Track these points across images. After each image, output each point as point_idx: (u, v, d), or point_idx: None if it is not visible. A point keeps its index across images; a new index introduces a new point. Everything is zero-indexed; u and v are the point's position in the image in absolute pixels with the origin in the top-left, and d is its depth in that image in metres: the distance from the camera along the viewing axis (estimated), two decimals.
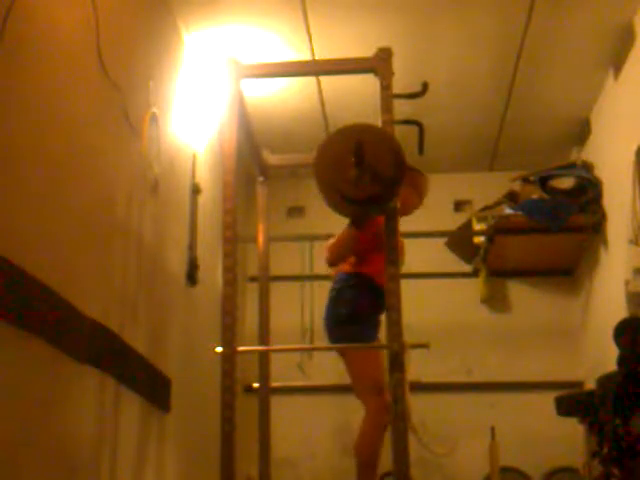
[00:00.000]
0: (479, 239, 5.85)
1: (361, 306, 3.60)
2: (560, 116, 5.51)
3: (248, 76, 3.28)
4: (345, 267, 3.71)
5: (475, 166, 6.22)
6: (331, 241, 3.62)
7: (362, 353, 3.57)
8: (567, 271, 6.00)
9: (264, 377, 3.79)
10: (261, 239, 3.96)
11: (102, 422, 3.14)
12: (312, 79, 4.93)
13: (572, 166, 5.48)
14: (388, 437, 2.85)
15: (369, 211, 3.32)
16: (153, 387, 3.77)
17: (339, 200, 3.14)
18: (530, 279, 6.09)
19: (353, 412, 5.79)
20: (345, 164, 3.04)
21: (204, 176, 4.75)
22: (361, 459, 3.54)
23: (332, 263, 3.67)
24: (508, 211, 5.49)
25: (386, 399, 3.54)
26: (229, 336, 2.88)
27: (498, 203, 5.67)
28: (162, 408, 3.90)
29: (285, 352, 4.68)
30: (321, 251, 3.88)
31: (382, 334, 3.38)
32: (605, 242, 5.16)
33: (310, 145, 3.38)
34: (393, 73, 3.09)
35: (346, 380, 5.66)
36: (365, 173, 3.01)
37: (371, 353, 3.58)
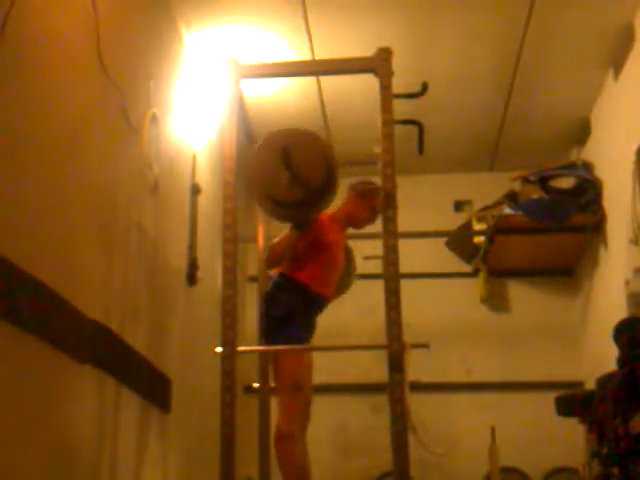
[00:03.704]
0: (479, 239, 5.86)
1: (294, 309, 3.51)
2: (560, 116, 5.52)
3: (248, 76, 3.28)
4: (280, 270, 3.62)
5: (475, 166, 6.22)
6: (273, 241, 3.54)
7: (288, 353, 3.51)
8: (567, 271, 6.00)
9: (264, 377, 3.79)
10: (261, 239, 3.96)
11: (102, 422, 3.14)
12: (312, 79, 4.92)
13: (572, 166, 5.48)
14: (385, 437, 2.84)
15: (304, 214, 3.32)
16: (153, 387, 3.77)
17: (273, 206, 3.17)
18: (530, 279, 6.09)
19: (352, 412, 5.84)
20: (275, 170, 3.08)
21: (204, 176, 4.75)
22: (283, 460, 3.41)
23: (271, 264, 3.59)
24: (508, 211, 5.49)
25: (304, 399, 3.51)
26: (229, 336, 2.88)
27: (498, 203, 5.68)
28: (162, 408, 3.90)
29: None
30: None
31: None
32: (605, 242, 5.16)
33: None
34: (393, 73, 3.10)
35: (345, 380, 5.70)
36: (296, 177, 3.04)
37: (296, 353, 3.52)
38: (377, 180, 3.70)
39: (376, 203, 3.63)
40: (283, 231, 3.60)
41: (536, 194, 5.41)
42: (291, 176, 3.08)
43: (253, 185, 3.26)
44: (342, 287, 3.83)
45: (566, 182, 5.43)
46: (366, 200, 3.73)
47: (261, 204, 3.30)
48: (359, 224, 3.80)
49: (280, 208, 3.23)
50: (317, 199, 3.19)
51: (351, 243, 3.90)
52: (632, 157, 4.38)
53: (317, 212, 3.41)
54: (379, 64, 3.11)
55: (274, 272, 3.69)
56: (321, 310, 3.68)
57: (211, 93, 4.91)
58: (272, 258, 3.54)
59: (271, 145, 3.17)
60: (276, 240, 3.53)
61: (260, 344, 3.81)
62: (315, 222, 3.53)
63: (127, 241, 3.52)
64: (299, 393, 3.49)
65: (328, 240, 3.62)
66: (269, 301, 3.58)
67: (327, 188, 3.18)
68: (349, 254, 3.86)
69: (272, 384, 3.63)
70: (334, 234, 3.68)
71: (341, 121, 5.47)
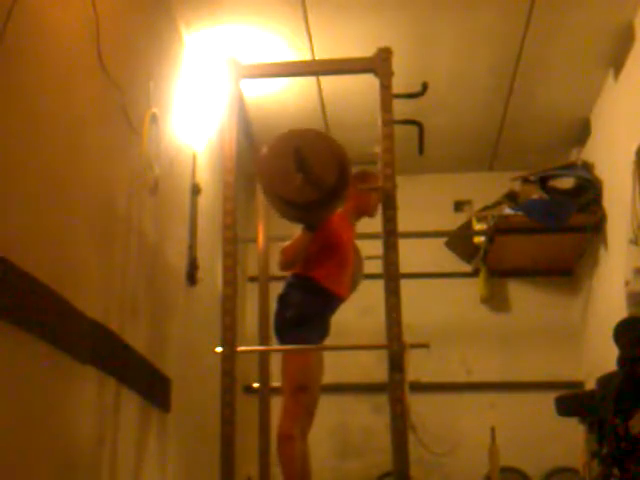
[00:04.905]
0: (479, 239, 5.86)
1: (307, 309, 3.51)
2: (560, 116, 5.52)
3: (248, 76, 3.28)
4: (294, 271, 3.61)
5: (475, 166, 6.22)
6: (286, 244, 3.52)
7: (294, 354, 3.49)
8: (567, 271, 6.01)
9: (264, 377, 3.79)
10: (261, 239, 3.96)
11: (102, 422, 3.14)
12: (312, 79, 4.93)
13: (572, 166, 5.48)
14: (385, 437, 2.84)
15: (317, 214, 3.31)
16: (153, 387, 3.77)
17: (286, 207, 3.15)
18: (530, 279, 6.09)
19: (352, 412, 5.84)
20: (288, 172, 3.05)
21: (204, 176, 4.75)
22: (283, 460, 3.41)
23: (286, 267, 3.56)
24: (508, 211, 5.50)
25: (308, 399, 3.51)
26: (229, 336, 2.88)
27: (498, 203, 5.68)
28: (162, 408, 3.90)
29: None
30: None
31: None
32: (605, 242, 5.16)
33: None
34: (393, 73, 3.09)
35: (345, 380, 5.69)
36: (309, 177, 3.03)
37: (303, 354, 3.52)
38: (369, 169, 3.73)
39: (376, 191, 3.62)
40: (284, 231, 3.60)
41: (536, 194, 5.41)
42: (304, 177, 3.06)
43: (264, 187, 3.23)
44: (351, 286, 3.82)
45: (566, 182, 5.42)
46: (366, 192, 3.73)
47: (273, 206, 3.28)
48: (371, 212, 3.80)
49: (293, 209, 3.20)
50: (330, 199, 3.16)
51: None
52: (632, 157, 4.38)
53: (330, 212, 3.39)
54: (379, 64, 3.11)
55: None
56: (335, 310, 3.67)
57: (211, 93, 4.91)
58: (285, 261, 3.52)
59: (282, 147, 3.15)
60: (288, 243, 3.51)
61: (262, 344, 3.81)
62: (326, 221, 3.52)
63: (127, 241, 3.52)
64: (303, 394, 3.49)
65: (340, 238, 3.63)
66: (283, 301, 3.57)
67: (340, 187, 3.16)
68: (357, 254, 3.86)
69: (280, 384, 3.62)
70: (345, 232, 3.68)
71: (341, 121, 5.47)
